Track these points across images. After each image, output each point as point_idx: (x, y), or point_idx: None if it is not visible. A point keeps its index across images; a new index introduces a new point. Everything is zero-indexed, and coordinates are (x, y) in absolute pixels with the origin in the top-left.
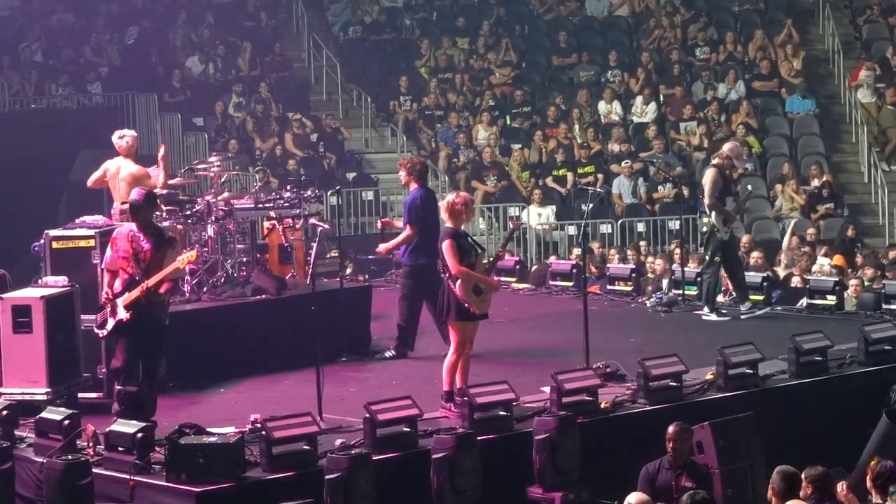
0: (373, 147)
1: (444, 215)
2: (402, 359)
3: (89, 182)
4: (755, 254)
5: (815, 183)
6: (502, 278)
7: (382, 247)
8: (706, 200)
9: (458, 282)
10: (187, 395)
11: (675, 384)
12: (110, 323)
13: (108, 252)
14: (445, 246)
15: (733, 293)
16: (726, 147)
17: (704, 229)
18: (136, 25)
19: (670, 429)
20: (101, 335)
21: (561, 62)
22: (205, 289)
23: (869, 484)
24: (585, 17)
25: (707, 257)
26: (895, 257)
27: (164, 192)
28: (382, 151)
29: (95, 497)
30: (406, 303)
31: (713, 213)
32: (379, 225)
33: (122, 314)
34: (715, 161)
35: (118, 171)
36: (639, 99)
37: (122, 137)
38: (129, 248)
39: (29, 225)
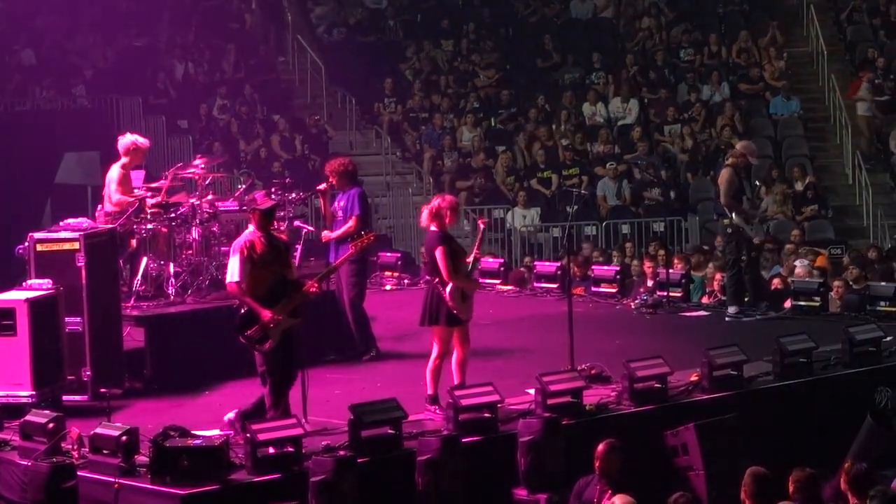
0: (357, 149)
1: (426, 220)
2: (387, 360)
3: None
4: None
5: (800, 185)
6: (487, 280)
7: (331, 235)
8: (722, 200)
9: (449, 289)
10: (172, 398)
11: (659, 386)
12: (271, 335)
13: (240, 262)
14: (439, 253)
15: (719, 294)
16: (739, 145)
17: (729, 230)
18: (131, 36)
19: (599, 447)
20: (265, 348)
21: (545, 64)
22: (189, 291)
23: (844, 486)
24: (570, 19)
25: (743, 257)
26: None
27: (149, 195)
28: (367, 153)
29: (80, 500)
30: (360, 301)
31: (734, 213)
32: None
33: (291, 320)
34: (729, 161)
35: (109, 174)
36: (619, 99)
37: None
38: (270, 249)
39: (13, 227)
